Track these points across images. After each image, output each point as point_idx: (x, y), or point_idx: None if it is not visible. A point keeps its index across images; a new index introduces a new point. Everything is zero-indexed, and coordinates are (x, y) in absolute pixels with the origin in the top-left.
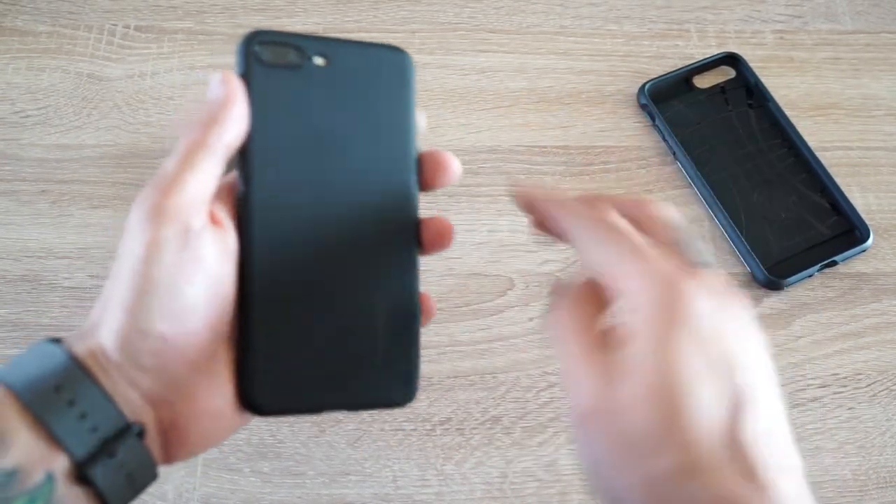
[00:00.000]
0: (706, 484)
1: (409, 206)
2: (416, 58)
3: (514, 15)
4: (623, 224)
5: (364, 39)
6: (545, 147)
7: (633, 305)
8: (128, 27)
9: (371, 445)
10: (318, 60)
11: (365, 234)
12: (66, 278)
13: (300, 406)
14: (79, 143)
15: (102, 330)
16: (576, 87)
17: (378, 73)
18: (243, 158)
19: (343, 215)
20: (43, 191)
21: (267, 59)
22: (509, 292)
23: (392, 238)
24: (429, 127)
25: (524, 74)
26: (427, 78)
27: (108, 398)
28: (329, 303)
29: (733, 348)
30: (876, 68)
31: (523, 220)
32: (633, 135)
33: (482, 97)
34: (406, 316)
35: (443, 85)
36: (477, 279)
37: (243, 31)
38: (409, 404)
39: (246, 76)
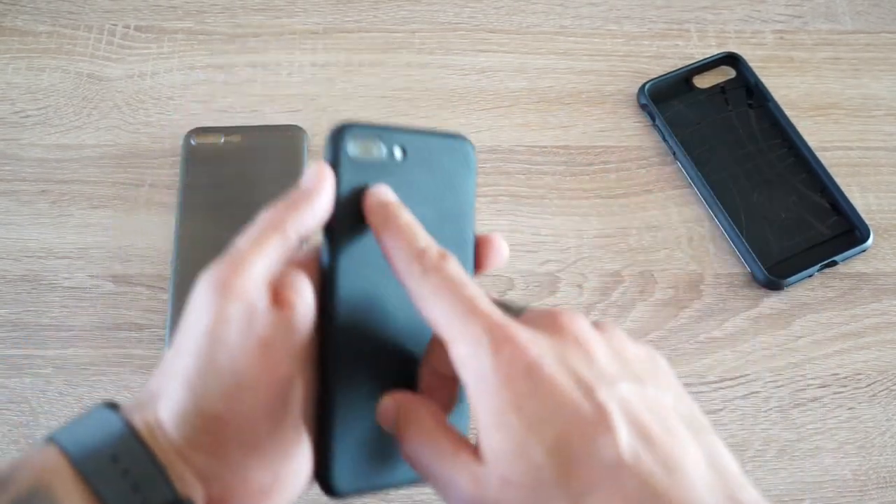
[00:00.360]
0: None
1: None
2: (416, 58)
3: (514, 15)
4: (457, 272)
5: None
6: (545, 147)
7: (462, 377)
8: (128, 27)
9: None
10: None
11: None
12: (66, 278)
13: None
14: (79, 143)
15: (161, 403)
16: (576, 86)
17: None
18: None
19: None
20: (43, 191)
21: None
22: (509, 292)
23: None
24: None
25: (524, 74)
26: (427, 78)
27: (161, 472)
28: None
29: (581, 373)
30: (876, 68)
31: (524, 220)
32: (634, 135)
33: (482, 97)
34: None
35: (443, 85)
36: (477, 279)
37: (243, 30)
38: None
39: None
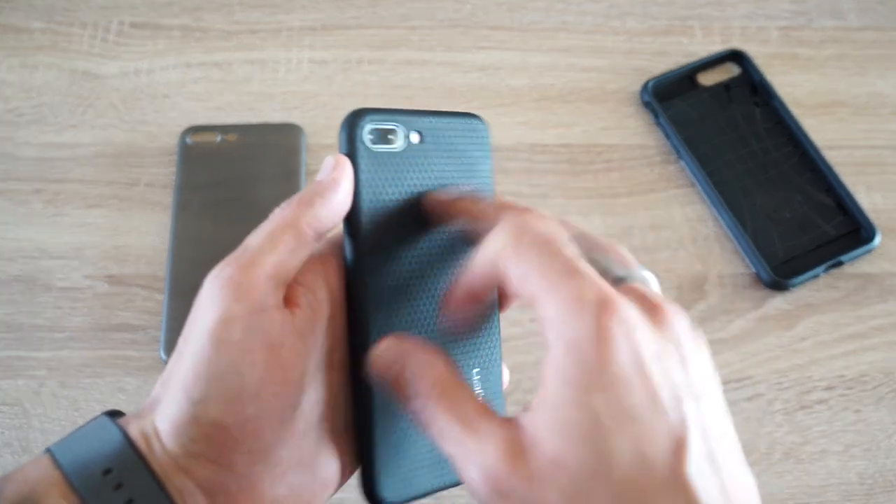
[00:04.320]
0: None
1: None
2: (415, 55)
3: (515, 11)
4: (555, 232)
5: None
6: (547, 145)
7: (550, 338)
8: (123, 24)
9: None
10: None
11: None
12: (61, 279)
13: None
14: (74, 142)
15: (159, 412)
16: (578, 84)
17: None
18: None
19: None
20: (37, 190)
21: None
22: None
23: None
24: None
25: (525, 72)
26: (426, 75)
27: (158, 485)
28: None
29: (674, 377)
30: (882, 66)
31: None
32: (636, 133)
33: (483, 95)
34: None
35: (442, 83)
36: None
37: (240, 27)
38: None
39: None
